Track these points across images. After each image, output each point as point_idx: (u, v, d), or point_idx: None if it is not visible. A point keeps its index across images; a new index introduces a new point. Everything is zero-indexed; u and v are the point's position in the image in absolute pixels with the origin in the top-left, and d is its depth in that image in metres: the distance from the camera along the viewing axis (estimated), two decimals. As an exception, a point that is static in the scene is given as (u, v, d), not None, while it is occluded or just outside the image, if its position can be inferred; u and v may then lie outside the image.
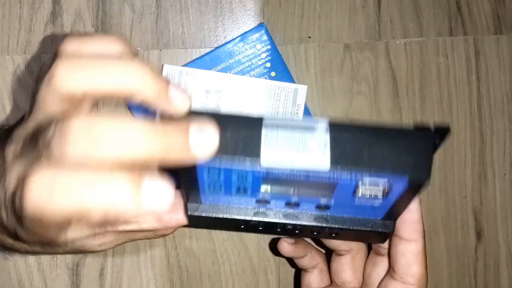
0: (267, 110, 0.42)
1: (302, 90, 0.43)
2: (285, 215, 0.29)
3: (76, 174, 0.19)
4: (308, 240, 0.39)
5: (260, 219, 0.29)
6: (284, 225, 0.29)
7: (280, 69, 0.42)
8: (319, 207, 0.28)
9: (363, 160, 0.24)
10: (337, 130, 0.24)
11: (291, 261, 0.44)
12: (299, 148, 0.24)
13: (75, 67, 0.21)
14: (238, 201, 0.28)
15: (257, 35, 0.42)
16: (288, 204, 0.28)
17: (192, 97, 0.24)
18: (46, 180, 0.19)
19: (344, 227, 0.29)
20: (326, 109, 0.44)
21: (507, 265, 0.45)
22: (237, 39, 0.42)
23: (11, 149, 0.22)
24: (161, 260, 0.44)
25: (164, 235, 0.31)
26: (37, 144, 0.20)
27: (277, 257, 0.44)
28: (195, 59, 0.43)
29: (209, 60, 0.42)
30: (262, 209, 0.29)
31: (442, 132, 0.25)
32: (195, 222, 0.30)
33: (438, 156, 0.45)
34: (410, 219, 0.31)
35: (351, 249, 0.35)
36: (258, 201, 0.28)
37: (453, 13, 0.46)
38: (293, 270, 0.44)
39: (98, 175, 0.19)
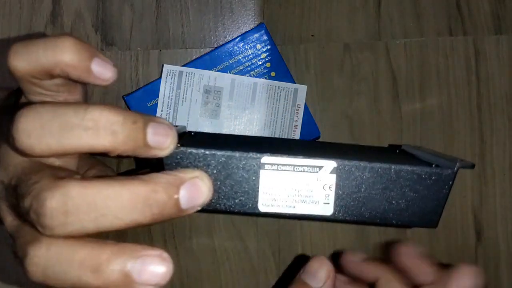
0: (267, 110, 0.42)
1: (302, 90, 0.43)
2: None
3: (78, 253, 0.19)
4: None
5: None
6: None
7: (280, 69, 0.42)
8: None
9: (369, 205, 0.23)
10: (345, 171, 0.23)
11: (291, 261, 0.44)
12: (300, 193, 0.23)
13: (35, 132, 0.20)
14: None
15: (257, 35, 0.42)
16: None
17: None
18: (50, 258, 0.19)
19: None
20: (326, 109, 0.44)
21: (507, 265, 0.45)
22: (237, 39, 0.42)
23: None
24: (161, 260, 0.44)
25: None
26: (18, 200, 0.20)
27: (277, 257, 0.44)
28: (195, 59, 0.43)
29: (209, 60, 0.42)
30: None
31: (463, 167, 0.24)
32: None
33: (438, 156, 0.45)
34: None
35: (378, 277, 0.32)
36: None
37: (453, 13, 0.46)
38: (293, 270, 0.44)
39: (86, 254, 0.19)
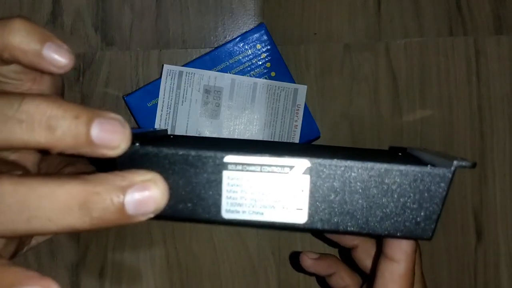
0: (267, 110, 0.42)
1: (302, 90, 0.42)
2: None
3: None
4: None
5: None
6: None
7: (280, 69, 0.42)
8: None
9: (349, 212, 0.20)
10: (320, 171, 0.20)
11: (291, 261, 0.44)
12: (269, 198, 0.20)
13: None
14: None
15: (257, 35, 0.42)
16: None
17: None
18: None
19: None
20: (326, 109, 0.44)
21: (507, 265, 0.45)
22: (237, 39, 0.42)
23: None
24: (161, 260, 0.44)
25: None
26: None
27: (277, 257, 0.44)
28: (195, 59, 0.43)
29: (209, 60, 0.42)
30: None
31: (465, 167, 0.20)
32: None
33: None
34: None
35: (358, 243, 0.33)
36: None
37: (453, 13, 0.46)
38: (293, 270, 0.44)
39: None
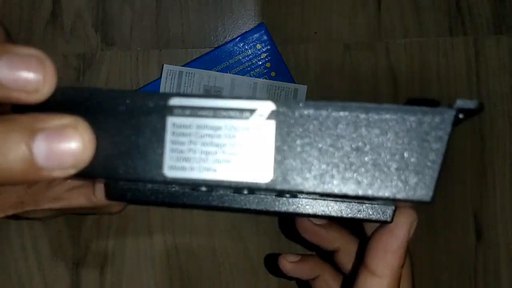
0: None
1: (302, 90, 0.43)
2: (234, 198, 0.20)
3: None
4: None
5: (202, 203, 0.21)
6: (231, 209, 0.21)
7: (280, 69, 0.42)
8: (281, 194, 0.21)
9: (326, 168, 0.15)
10: (288, 115, 0.16)
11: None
12: (224, 150, 0.16)
13: None
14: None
15: (257, 35, 0.42)
16: (238, 192, 0.20)
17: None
18: None
19: (323, 213, 0.22)
20: (326, 109, 0.44)
21: (507, 265, 0.45)
22: (237, 39, 0.42)
23: None
24: (161, 260, 0.44)
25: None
26: None
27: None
28: (195, 59, 0.43)
29: (209, 60, 0.42)
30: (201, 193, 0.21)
31: (470, 113, 0.17)
32: (126, 201, 0.24)
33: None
34: (384, 244, 0.23)
35: (340, 246, 0.30)
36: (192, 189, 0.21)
37: (453, 13, 0.46)
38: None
39: None
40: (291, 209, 0.20)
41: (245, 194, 0.20)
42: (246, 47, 0.42)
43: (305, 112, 0.16)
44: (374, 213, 0.20)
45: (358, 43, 0.45)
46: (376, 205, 0.20)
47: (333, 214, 0.20)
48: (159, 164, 0.16)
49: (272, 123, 0.16)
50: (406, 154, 0.16)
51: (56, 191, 0.26)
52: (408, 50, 0.45)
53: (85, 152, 0.14)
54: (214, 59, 0.42)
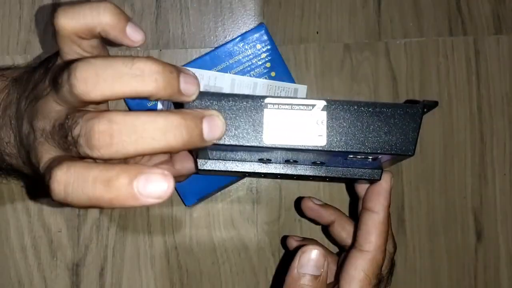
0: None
1: (302, 90, 0.43)
2: (285, 168, 0.33)
3: (93, 171, 0.22)
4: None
5: (263, 171, 0.33)
6: (283, 175, 0.34)
7: (280, 69, 0.42)
8: (314, 163, 0.32)
9: (355, 137, 0.28)
10: (333, 108, 0.28)
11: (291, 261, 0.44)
12: (298, 128, 0.27)
13: (92, 79, 0.23)
14: (242, 157, 0.32)
15: (257, 35, 0.42)
16: (288, 161, 0.32)
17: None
18: (70, 177, 0.22)
19: (336, 175, 0.33)
20: (326, 109, 0.44)
21: (507, 265, 0.45)
22: (237, 39, 0.42)
23: (40, 124, 0.26)
24: (161, 260, 0.44)
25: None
26: (65, 134, 0.24)
27: (277, 257, 0.44)
28: (195, 59, 0.43)
29: (209, 60, 0.42)
30: (264, 165, 0.34)
31: (430, 106, 0.29)
32: (204, 172, 0.34)
33: (438, 156, 0.45)
34: (377, 192, 0.34)
35: (335, 219, 0.39)
36: (260, 159, 0.32)
37: (453, 13, 0.46)
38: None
39: (112, 173, 0.22)
40: (321, 172, 0.33)
41: (294, 163, 0.33)
42: (246, 47, 0.42)
43: (343, 106, 0.28)
44: (370, 175, 0.33)
45: (358, 43, 0.45)
46: (369, 170, 0.33)
47: (348, 176, 0.33)
48: (261, 137, 0.27)
49: (324, 112, 0.27)
50: (398, 129, 0.28)
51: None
52: (408, 50, 0.45)
53: (223, 128, 0.25)
54: (214, 59, 0.42)
